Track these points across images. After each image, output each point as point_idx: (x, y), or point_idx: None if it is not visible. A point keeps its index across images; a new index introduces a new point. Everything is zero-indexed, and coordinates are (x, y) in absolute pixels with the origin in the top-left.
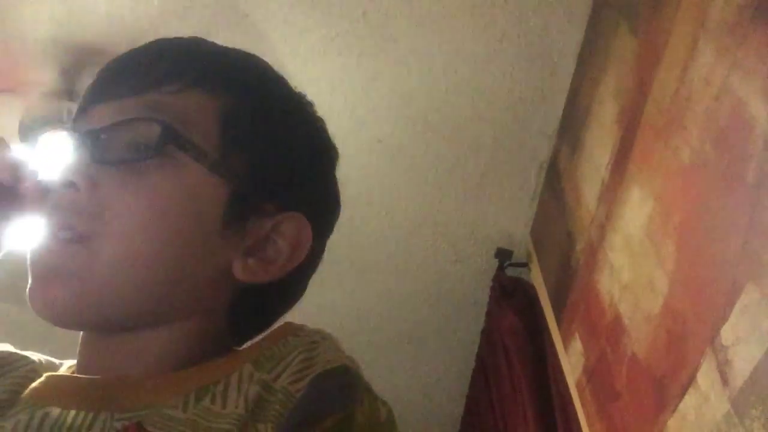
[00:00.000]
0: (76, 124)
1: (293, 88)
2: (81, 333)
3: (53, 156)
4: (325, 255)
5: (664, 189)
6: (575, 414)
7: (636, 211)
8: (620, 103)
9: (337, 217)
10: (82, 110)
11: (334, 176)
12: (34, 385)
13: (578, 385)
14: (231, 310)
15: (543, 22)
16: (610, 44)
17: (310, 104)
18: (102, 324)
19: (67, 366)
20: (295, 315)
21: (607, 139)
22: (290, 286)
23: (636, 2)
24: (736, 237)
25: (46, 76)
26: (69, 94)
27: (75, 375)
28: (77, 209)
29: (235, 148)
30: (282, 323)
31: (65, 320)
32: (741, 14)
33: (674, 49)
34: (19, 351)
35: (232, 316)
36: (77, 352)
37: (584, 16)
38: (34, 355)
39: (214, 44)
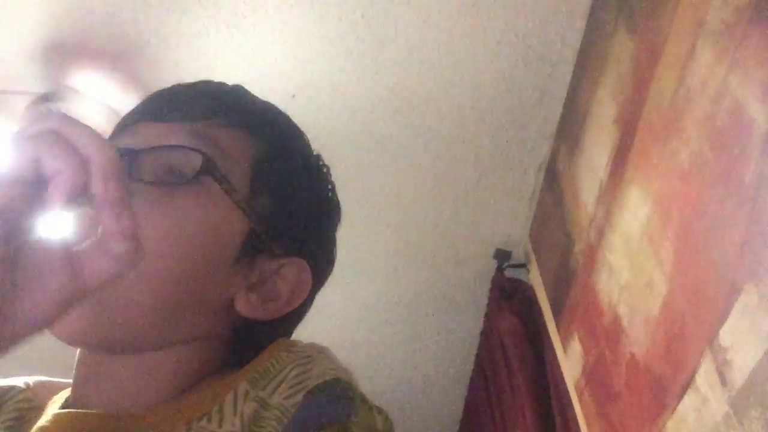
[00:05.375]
0: (116, 138)
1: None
2: (78, 352)
3: None
4: None
5: (663, 190)
6: (574, 415)
7: (634, 212)
8: (619, 104)
9: (330, 272)
10: (125, 126)
11: (335, 236)
12: (41, 423)
13: (577, 386)
14: (230, 340)
15: (541, 23)
16: (609, 45)
17: (325, 165)
18: (109, 344)
19: (63, 392)
20: None
21: (605, 140)
22: (281, 327)
23: (634, 3)
24: (734, 238)
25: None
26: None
27: (85, 411)
28: None
29: (262, 189)
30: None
31: (76, 338)
32: (739, 15)
33: (673, 50)
34: (1, 380)
35: (231, 347)
36: (74, 374)
37: (583, 17)
38: (20, 380)
39: (253, 94)
